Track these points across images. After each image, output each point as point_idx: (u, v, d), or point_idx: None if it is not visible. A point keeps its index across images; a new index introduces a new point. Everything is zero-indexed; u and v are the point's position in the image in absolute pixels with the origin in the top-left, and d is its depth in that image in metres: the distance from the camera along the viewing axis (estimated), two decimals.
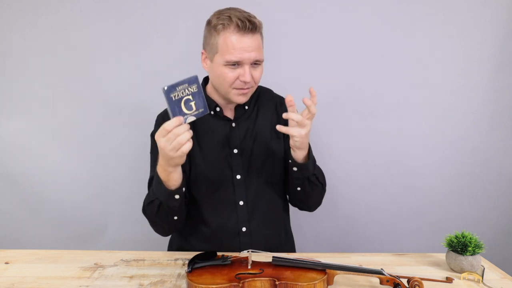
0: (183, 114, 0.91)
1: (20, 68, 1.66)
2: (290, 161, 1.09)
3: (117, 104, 1.70)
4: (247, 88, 1.09)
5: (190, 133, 0.90)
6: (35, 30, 1.63)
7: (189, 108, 0.91)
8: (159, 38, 1.66)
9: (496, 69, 1.71)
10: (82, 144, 1.73)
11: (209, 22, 1.09)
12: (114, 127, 1.72)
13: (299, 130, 0.97)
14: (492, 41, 1.68)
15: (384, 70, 1.71)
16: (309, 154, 1.07)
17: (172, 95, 0.88)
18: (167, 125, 0.88)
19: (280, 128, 0.99)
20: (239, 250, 1.13)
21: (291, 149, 1.06)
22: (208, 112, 0.94)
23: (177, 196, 1.01)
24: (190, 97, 0.91)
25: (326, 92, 1.72)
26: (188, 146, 0.90)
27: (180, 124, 0.89)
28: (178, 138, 0.88)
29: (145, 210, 1.10)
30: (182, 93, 0.90)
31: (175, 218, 1.07)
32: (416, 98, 1.73)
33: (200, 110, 0.93)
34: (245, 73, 1.05)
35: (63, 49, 1.65)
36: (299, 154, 1.05)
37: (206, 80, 1.23)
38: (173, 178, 0.98)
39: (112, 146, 1.73)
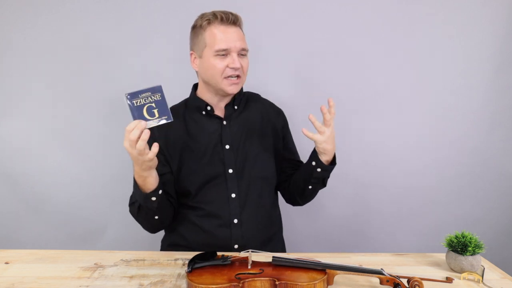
0: (145, 119, 0.96)
1: (20, 68, 1.66)
2: (313, 163, 1.15)
3: (117, 104, 1.70)
4: (237, 77, 1.16)
5: (140, 128, 0.93)
6: (35, 30, 1.63)
7: (151, 114, 0.96)
8: (159, 38, 1.66)
9: (496, 69, 1.71)
10: (82, 144, 1.73)
11: (194, 26, 1.20)
12: (114, 127, 1.72)
13: (319, 137, 1.08)
14: (492, 41, 1.68)
15: (384, 70, 1.71)
16: (334, 159, 1.16)
17: (134, 101, 0.94)
18: (127, 126, 0.95)
19: (305, 131, 1.08)
20: (231, 242, 1.18)
21: (318, 153, 1.14)
22: (172, 120, 0.97)
23: (153, 198, 1.06)
24: (153, 104, 0.95)
25: (326, 92, 1.72)
26: (154, 150, 0.95)
27: (140, 127, 0.94)
28: (139, 142, 0.93)
29: (130, 211, 1.16)
30: (145, 100, 0.95)
31: (156, 217, 1.12)
32: (416, 98, 1.74)
33: (164, 117, 0.97)
34: (234, 60, 1.13)
35: (63, 49, 1.65)
36: (323, 159, 1.14)
37: (195, 86, 1.30)
38: (148, 182, 1.04)
39: (112, 146, 1.73)
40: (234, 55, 1.14)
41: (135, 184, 1.06)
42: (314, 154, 1.16)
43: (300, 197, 1.29)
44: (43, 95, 1.68)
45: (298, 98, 1.70)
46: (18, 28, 1.62)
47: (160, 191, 1.08)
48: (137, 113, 0.95)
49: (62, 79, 1.67)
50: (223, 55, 1.13)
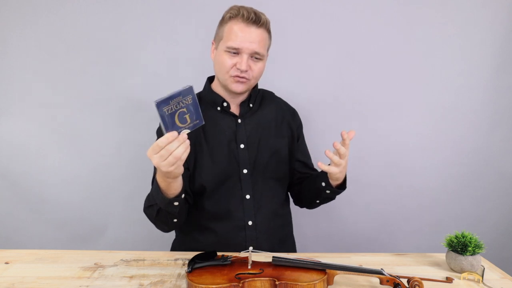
0: (177, 128, 0.87)
1: (20, 68, 1.66)
2: (323, 183, 1.13)
3: (117, 104, 1.70)
4: (244, 78, 1.13)
5: (185, 145, 0.88)
6: (35, 30, 1.63)
7: (183, 121, 0.87)
8: (159, 38, 1.66)
9: (496, 69, 1.71)
10: (82, 144, 1.72)
11: (222, 17, 1.16)
12: (114, 127, 1.72)
13: (335, 169, 1.04)
14: (492, 41, 1.68)
15: (384, 70, 1.71)
16: (344, 182, 1.14)
17: (165, 109, 0.83)
18: (160, 141, 0.86)
19: (321, 165, 1.01)
20: (245, 244, 1.16)
21: (329, 178, 1.10)
22: (203, 123, 0.91)
23: (176, 203, 1.02)
24: (184, 109, 0.86)
25: (326, 92, 1.73)
26: (184, 156, 0.88)
27: (174, 139, 0.86)
28: (173, 153, 0.86)
29: (145, 212, 1.12)
30: (176, 106, 0.85)
31: (175, 220, 1.09)
32: (416, 98, 1.74)
33: (195, 122, 0.89)
34: (242, 61, 1.10)
35: (64, 49, 1.65)
36: (334, 183, 1.12)
37: (211, 79, 1.27)
38: (172, 187, 0.99)
39: (112, 146, 1.73)
40: (245, 56, 1.10)
41: (157, 189, 1.00)
42: (325, 176, 1.12)
43: (308, 206, 1.31)
44: (43, 95, 1.68)
45: (298, 98, 1.69)
46: (18, 28, 1.62)
47: (183, 195, 1.04)
48: (169, 122, 0.84)
49: (62, 79, 1.67)
50: (234, 53, 1.10)
